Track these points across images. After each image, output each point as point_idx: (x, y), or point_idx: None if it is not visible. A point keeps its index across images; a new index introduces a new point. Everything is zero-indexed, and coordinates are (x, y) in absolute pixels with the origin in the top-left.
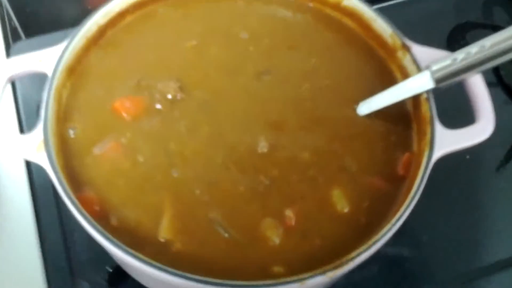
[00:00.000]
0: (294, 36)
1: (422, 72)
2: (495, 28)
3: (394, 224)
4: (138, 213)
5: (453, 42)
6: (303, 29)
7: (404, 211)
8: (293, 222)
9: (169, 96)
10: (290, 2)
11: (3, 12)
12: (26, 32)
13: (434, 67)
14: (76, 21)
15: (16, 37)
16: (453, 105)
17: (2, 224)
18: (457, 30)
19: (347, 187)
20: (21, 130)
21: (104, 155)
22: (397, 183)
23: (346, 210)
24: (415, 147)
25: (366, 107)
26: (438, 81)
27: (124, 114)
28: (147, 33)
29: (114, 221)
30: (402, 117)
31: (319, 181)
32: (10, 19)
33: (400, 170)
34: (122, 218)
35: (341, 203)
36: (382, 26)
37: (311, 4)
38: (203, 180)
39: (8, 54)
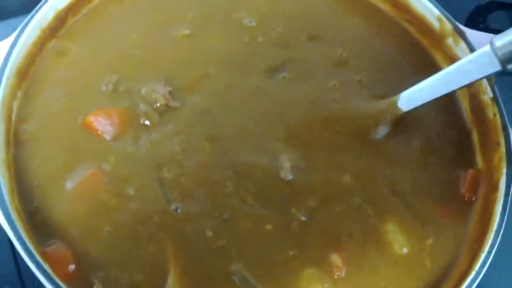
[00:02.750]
0: (314, 22)
1: (482, 50)
2: None
3: (478, 272)
4: (132, 272)
5: (472, 25)
6: (324, 13)
7: (491, 250)
8: (342, 272)
9: (158, 105)
10: None
11: None
12: None
13: (499, 43)
14: (19, 10)
15: None
16: None
17: None
18: (478, 11)
19: (404, 219)
20: None
21: (81, 189)
22: (464, 209)
23: (405, 250)
24: (480, 162)
25: (408, 100)
26: (506, 60)
27: (101, 132)
28: (121, 19)
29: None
30: (457, 123)
31: (368, 213)
32: None
33: (465, 192)
34: (109, 281)
35: (399, 241)
36: (426, 6)
37: None
38: (214, 216)
39: None
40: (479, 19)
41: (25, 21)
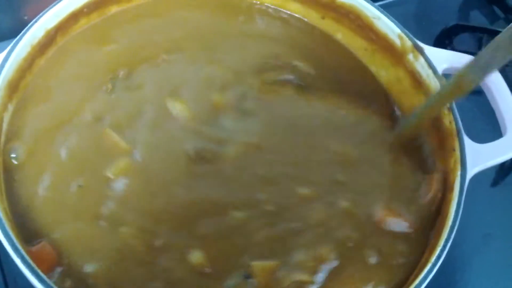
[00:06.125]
0: None
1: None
2: (483, 30)
3: (434, 264)
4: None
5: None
6: None
7: (446, 244)
8: None
9: None
10: None
11: None
12: None
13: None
14: (11, 34)
15: None
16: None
17: None
18: (444, 34)
19: None
20: None
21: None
22: (426, 211)
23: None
24: (439, 167)
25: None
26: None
27: None
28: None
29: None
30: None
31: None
32: None
33: (425, 195)
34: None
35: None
36: (388, 26)
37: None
38: None
39: None
40: (446, 41)
41: (16, 38)
